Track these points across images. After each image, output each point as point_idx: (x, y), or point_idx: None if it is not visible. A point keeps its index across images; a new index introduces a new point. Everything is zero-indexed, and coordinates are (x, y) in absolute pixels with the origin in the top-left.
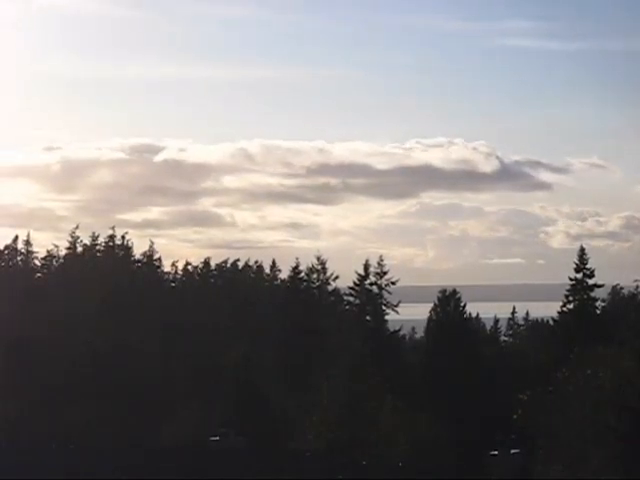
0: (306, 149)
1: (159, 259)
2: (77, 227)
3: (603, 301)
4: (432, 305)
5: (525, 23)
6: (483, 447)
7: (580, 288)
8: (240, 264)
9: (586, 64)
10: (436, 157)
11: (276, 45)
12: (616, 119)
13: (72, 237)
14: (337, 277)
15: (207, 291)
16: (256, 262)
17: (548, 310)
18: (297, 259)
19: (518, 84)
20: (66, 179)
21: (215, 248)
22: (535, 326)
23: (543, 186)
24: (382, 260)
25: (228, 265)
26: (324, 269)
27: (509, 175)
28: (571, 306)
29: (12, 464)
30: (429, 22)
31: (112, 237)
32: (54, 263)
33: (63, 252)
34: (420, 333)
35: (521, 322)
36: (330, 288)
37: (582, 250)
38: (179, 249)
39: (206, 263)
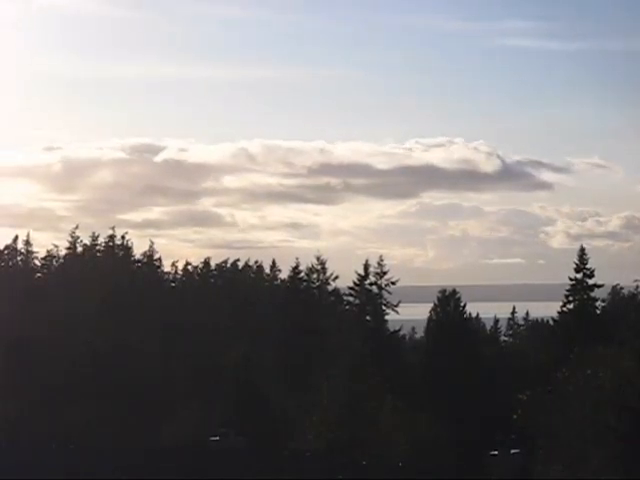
0: (307, 149)
1: (159, 259)
2: (77, 227)
3: (603, 301)
4: (432, 305)
5: (525, 23)
6: (483, 447)
7: (580, 288)
8: (240, 264)
9: (586, 64)
10: (437, 157)
11: (276, 45)
12: (616, 119)
13: (72, 237)
14: (337, 277)
15: (207, 291)
16: (256, 262)
17: (548, 310)
18: (297, 259)
19: (518, 84)
20: (66, 179)
21: (215, 248)
22: (535, 326)
23: (544, 186)
24: (382, 260)
25: (228, 265)
26: (324, 269)
27: (510, 175)
28: (571, 306)
29: (12, 464)
30: (429, 22)
31: (112, 237)
32: (54, 263)
33: (63, 252)
34: (420, 333)
35: (521, 322)
36: (330, 288)
37: (582, 250)
38: (179, 249)
39: (206, 263)
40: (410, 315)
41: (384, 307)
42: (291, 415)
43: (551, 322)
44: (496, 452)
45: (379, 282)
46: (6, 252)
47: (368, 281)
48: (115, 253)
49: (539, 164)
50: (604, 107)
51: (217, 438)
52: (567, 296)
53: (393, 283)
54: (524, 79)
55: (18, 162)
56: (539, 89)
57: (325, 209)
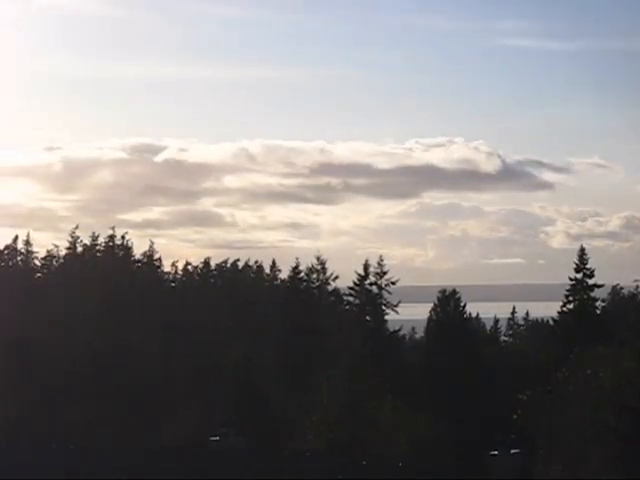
0: (308, 149)
1: (159, 259)
2: (77, 227)
3: (603, 301)
4: (432, 305)
5: (525, 23)
6: (483, 447)
7: (580, 288)
8: (240, 264)
9: (586, 64)
10: (437, 157)
11: (276, 45)
12: (616, 119)
13: (72, 237)
14: (337, 277)
15: (207, 291)
16: (256, 262)
17: (548, 310)
18: (297, 259)
19: (518, 84)
20: (66, 179)
21: (215, 248)
22: (535, 326)
23: (545, 186)
24: (382, 260)
25: (228, 265)
26: (324, 269)
27: (511, 175)
28: (571, 306)
29: (12, 464)
30: (429, 22)
31: (112, 237)
32: (54, 263)
33: (63, 252)
34: (420, 333)
35: (521, 322)
36: (330, 288)
37: (582, 250)
38: (179, 249)
39: (206, 263)
40: (410, 315)
41: (384, 307)
42: (291, 415)
43: (551, 322)
44: (496, 452)
45: (379, 282)
46: (6, 252)
47: (368, 281)
48: (115, 253)
49: (540, 164)
50: (604, 107)
51: (217, 438)
52: (567, 296)
53: (393, 283)
54: (524, 79)
55: (18, 162)
56: (539, 89)
57: (325, 209)
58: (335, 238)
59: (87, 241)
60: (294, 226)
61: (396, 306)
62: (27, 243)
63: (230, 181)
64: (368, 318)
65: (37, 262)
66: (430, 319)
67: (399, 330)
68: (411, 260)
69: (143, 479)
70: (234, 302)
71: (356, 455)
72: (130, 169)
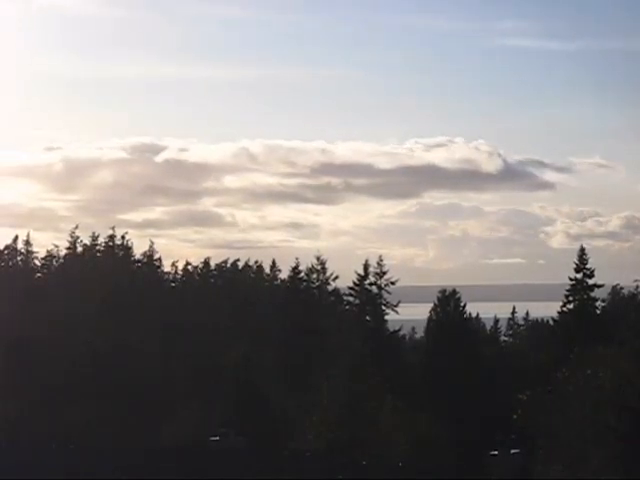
0: (308, 149)
1: (159, 259)
2: (77, 227)
3: (603, 301)
4: (432, 305)
5: (525, 23)
6: (483, 447)
7: (580, 288)
8: (240, 264)
9: (586, 64)
10: (438, 157)
11: (276, 45)
12: (616, 119)
13: (72, 237)
14: (337, 277)
15: (207, 291)
16: (256, 262)
17: (548, 310)
18: (297, 259)
19: (518, 84)
20: (66, 179)
21: (215, 248)
22: (535, 326)
23: (546, 186)
24: (382, 260)
25: (228, 265)
26: (324, 269)
27: (513, 175)
28: (571, 306)
29: (12, 464)
30: (429, 22)
31: (112, 237)
32: (54, 263)
33: (63, 252)
34: (420, 333)
35: (521, 322)
36: (330, 288)
37: (582, 250)
38: (179, 249)
39: (206, 263)
40: (410, 315)
41: (384, 307)
42: (291, 415)
43: (551, 322)
44: (496, 452)
45: (379, 282)
46: (6, 252)
47: (368, 281)
48: (115, 253)
49: (541, 164)
50: (604, 107)
51: (217, 438)
52: (567, 296)
53: (393, 283)
54: (524, 79)
55: (18, 162)
56: (539, 89)
57: (325, 209)
58: (335, 238)
59: (87, 241)
60: (294, 226)
61: (396, 306)
62: (27, 243)
63: (230, 181)
64: (368, 318)
65: (37, 262)
66: (430, 319)
67: (399, 330)
68: (411, 260)
69: (143, 479)
70: (234, 302)
71: (356, 455)
72: (130, 169)
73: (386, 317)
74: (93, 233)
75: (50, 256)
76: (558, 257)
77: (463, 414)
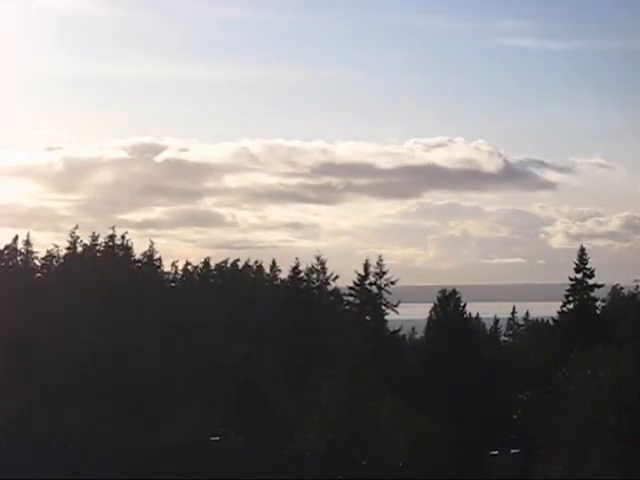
0: (309, 149)
1: (159, 259)
2: (77, 227)
3: (603, 301)
4: (432, 305)
5: (525, 23)
6: (483, 447)
7: (580, 288)
8: (240, 264)
9: (586, 64)
10: (439, 157)
11: (276, 45)
12: (616, 119)
13: (72, 237)
14: (337, 277)
15: (207, 291)
16: (256, 262)
17: (548, 310)
18: (297, 259)
19: (518, 84)
20: (67, 179)
21: (216, 248)
22: (535, 326)
23: (547, 186)
24: (382, 260)
25: (228, 265)
26: (324, 269)
27: (514, 175)
28: (571, 306)
29: (12, 464)
30: (429, 22)
31: (112, 237)
32: (54, 263)
33: (63, 252)
34: (420, 333)
35: (521, 322)
36: (330, 288)
37: (582, 250)
38: (179, 249)
39: (206, 263)
40: (410, 315)
41: (384, 307)
42: (291, 415)
43: (551, 322)
44: (496, 452)
45: (379, 282)
46: (6, 252)
47: (368, 281)
48: (115, 253)
49: (542, 164)
50: (604, 107)
51: (217, 438)
52: (567, 296)
53: (393, 283)
54: (524, 79)
55: (18, 162)
56: (539, 89)
57: (326, 209)
58: (335, 238)
59: (87, 241)
60: (294, 226)
61: (396, 306)
62: (27, 243)
63: (230, 181)
64: (368, 318)
65: (37, 262)
66: (430, 319)
67: (399, 330)
68: (411, 260)
69: (143, 479)
70: (234, 302)
71: (356, 455)
72: (130, 169)
73: (386, 317)
74: (93, 233)
75: (50, 256)
76: (558, 257)
77: (463, 414)
